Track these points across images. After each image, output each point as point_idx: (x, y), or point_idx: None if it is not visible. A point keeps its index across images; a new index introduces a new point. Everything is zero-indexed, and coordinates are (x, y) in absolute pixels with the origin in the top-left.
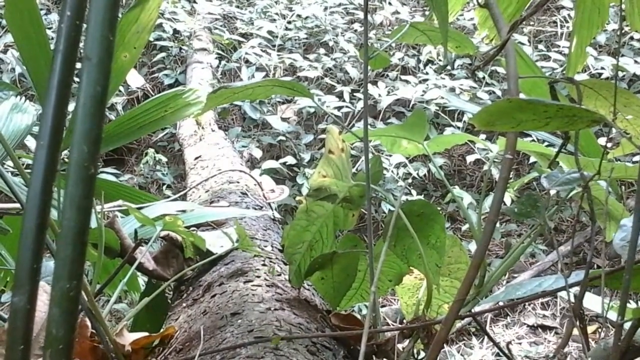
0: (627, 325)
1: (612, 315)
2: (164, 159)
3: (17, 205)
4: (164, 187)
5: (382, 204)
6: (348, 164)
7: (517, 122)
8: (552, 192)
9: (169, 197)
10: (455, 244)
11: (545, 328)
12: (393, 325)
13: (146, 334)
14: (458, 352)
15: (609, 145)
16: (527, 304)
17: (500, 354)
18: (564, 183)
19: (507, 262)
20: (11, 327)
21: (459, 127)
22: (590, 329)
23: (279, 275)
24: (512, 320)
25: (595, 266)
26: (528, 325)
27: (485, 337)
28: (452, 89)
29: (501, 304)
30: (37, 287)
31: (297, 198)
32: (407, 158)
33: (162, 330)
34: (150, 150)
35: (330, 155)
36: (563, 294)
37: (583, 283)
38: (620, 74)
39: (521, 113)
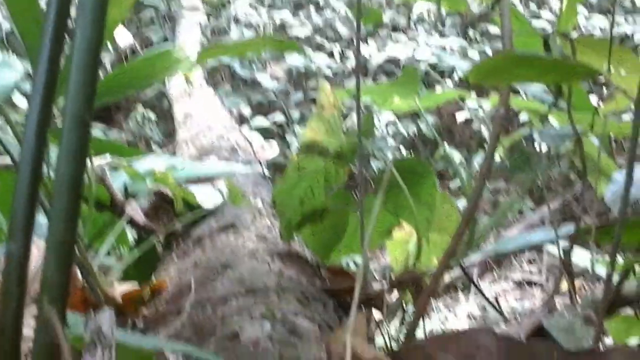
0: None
1: (599, 270)
2: (153, 117)
3: (6, 160)
4: (153, 144)
5: (372, 163)
6: (339, 120)
7: (513, 76)
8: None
9: (157, 153)
10: (446, 201)
11: (531, 284)
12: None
13: (137, 285)
14: (445, 305)
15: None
16: (513, 259)
17: (486, 308)
18: (556, 138)
19: (497, 217)
20: (6, 274)
21: (449, 86)
22: (575, 283)
23: (269, 229)
24: (499, 276)
25: (582, 223)
26: (514, 281)
27: (472, 292)
28: (443, 48)
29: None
30: (32, 235)
31: (289, 154)
32: (396, 116)
33: (152, 282)
34: (139, 107)
35: (322, 112)
36: (550, 249)
37: (573, 235)
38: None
39: (517, 67)
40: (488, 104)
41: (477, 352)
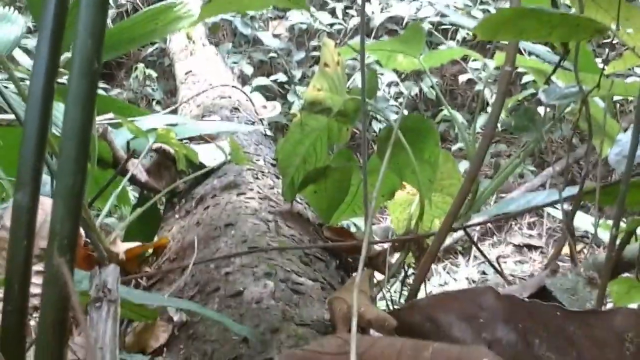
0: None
1: (600, 234)
2: (154, 74)
3: (9, 116)
4: (154, 102)
5: (373, 124)
6: (343, 78)
7: (520, 30)
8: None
9: (158, 112)
10: (448, 160)
11: (530, 247)
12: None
13: (139, 243)
14: (444, 269)
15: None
16: (513, 223)
17: (486, 272)
18: (562, 97)
19: (499, 179)
20: (14, 224)
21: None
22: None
23: (272, 188)
24: (499, 240)
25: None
26: (514, 245)
27: (471, 256)
28: (447, 7)
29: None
30: (40, 185)
31: (292, 111)
32: (399, 77)
33: (155, 240)
34: (140, 65)
35: (326, 69)
36: (551, 213)
37: (577, 196)
38: None
39: (525, 21)
40: (492, 65)
41: (480, 312)
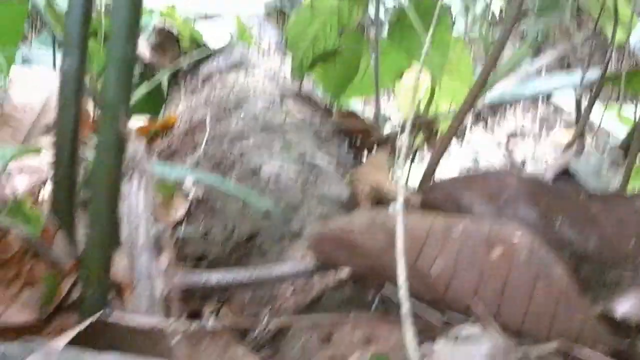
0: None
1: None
2: None
3: None
4: None
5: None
6: None
7: None
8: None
9: None
10: (458, 45)
11: (524, 134)
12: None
13: (147, 120)
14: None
15: None
16: (507, 109)
17: (477, 159)
18: None
19: (512, 62)
20: (63, 90)
21: None
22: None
23: (279, 69)
24: (492, 125)
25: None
26: (508, 131)
27: (464, 141)
28: None
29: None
30: (86, 52)
31: None
32: None
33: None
34: None
35: None
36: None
37: (600, 81)
38: None
39: None
40: None
41: (502, 192)
